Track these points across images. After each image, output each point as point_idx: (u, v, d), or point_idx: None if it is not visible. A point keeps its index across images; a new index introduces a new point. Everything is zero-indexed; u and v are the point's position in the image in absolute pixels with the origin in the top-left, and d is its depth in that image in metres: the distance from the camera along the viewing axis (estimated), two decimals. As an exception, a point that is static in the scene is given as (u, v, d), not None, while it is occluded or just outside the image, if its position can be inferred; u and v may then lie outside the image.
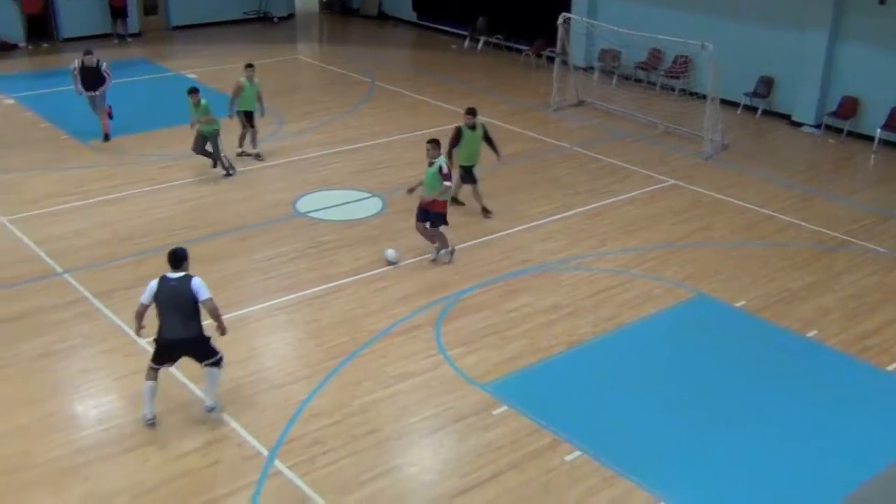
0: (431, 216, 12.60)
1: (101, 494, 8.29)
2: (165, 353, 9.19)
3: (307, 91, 22.10)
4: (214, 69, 23.67)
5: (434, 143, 12.61)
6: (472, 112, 14.18)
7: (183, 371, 10.04)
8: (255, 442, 9.01)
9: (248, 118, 16.66)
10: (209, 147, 15.88)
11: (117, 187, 15.51)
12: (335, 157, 17.17)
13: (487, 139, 14.30)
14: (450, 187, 12.57)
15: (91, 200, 14.99)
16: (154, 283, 9.01)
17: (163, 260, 12.42)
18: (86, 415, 9.61)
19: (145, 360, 10.24)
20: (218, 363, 9.32)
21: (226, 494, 8.32)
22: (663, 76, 22.12)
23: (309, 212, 14.62)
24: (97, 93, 17.53)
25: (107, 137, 17.71)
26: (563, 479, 8.56)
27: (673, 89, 21.79)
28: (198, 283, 8.97)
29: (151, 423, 9.26)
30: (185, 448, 8.93)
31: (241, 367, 10.23)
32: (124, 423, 9.37)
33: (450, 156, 14.16)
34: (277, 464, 8.71)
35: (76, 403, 9.81)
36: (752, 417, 9.61)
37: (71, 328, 11.09)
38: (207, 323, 9.13)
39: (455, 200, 14.53)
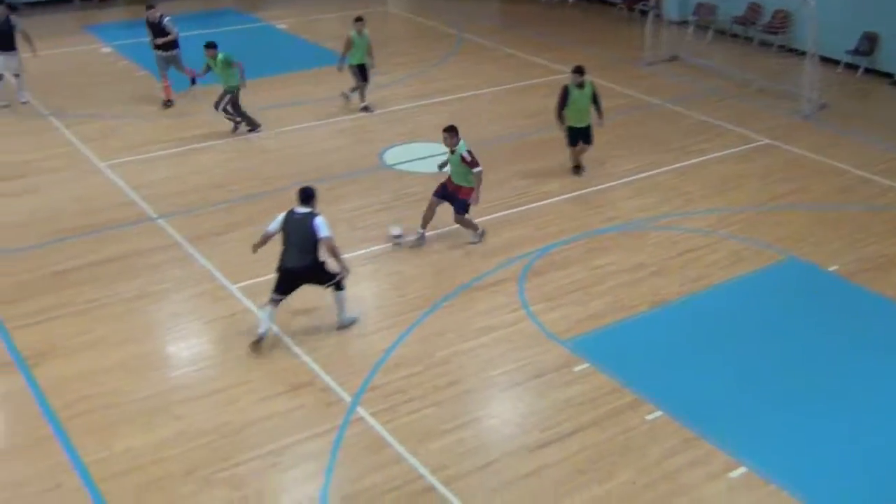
0: (456, 202, 11.87)
1: (192, 433, 8.58)
2: (285, 282, 9.82)
3: (395, 43, 22.08)
4: (304, 19, 23.88)
5: (451, 130, 11.63)
6: (579, 70, 13.64)
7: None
8: (338, 388, 9.19)
9: (360, 71, 16.66)
10: (226, 103, 15.60)
11: (208, 136, 15.82)
12: (422, 110, 17.18)
13: (595, 99, 13.80)
14: (481, 171, 11.65)
15: (183, 148, 15.34)
16: (282, 215, 9.72)
17: (252, 208, 12.91)
18: (178, 356, 9.96)
19: (234, 304, 10.61)
20: (339, 284, 9.95)
21: (309, 438, 8.53)
22: (761, 31, 21.42)
23: (396, 164, 14.70)
24: (165, 53, 16.99)
25: (193, 81, 17.23)
26: (643, 438, 8.52)
27: (771, 45, 21.11)
28: (320, 221, 9.60)
29: (257, 342, 9.75)
30: (271, 392, 9.16)
31: (326, 315, 10.42)
32: (214, 364, 9.67)
33: (559, 117, 13.82)
34: (360, 410, 8.88)
35: (169, 344, 10.17)
36: (839, 385, 9.38)
37: (164, 271, 11.44)
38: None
39: (576, 169, 14.23)
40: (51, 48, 20.57)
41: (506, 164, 14.62)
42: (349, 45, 16.44)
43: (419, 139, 15.76)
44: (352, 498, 7.81)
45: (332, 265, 9.87)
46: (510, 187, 13.77)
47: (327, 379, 9.34)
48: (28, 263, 11.56)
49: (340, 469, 8.13)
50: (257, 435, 8.56)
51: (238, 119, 15.81)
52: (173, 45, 17.07)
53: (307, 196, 9.78)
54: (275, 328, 10.09)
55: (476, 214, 12.73)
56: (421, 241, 11.98)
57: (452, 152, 11.71)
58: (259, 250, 9.98)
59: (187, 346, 10.09)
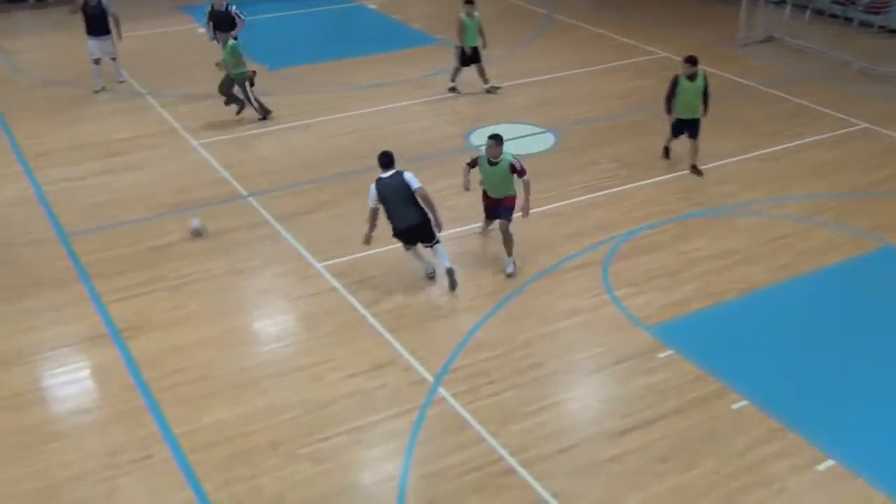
0: (501, 210, 10.93)
1: (278, 407, 8.77)
2: (406, 241, 10.67)
3: (485, 23, 21.90)
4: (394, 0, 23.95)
5: (497, 139, 10.73)
6: (691, 60, 13.05)
7: (356, 295, 10.45)
8: (421, 368, 9.27)
9: (473, 53, 16.59)
10: (238, 92, 15.45)
11: (298, 115, 16.05)
12: (509, 91, 17.08)
13: (705, 92, 13.13)
14: (529, 181, 10.82)
15: (273, 128, 15.60)
16: (373, 187, 10.26)
17: (340, 187, 13.10)
18: (265, 332, 10.18)
19: (320, 283, 10.81)
20: (438, 242, 10.63)
21: (391, 416, 8.63)
22: (861, 11, 20.66)
23: (481, 145, 14.61)
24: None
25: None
26: (728, 427, 8.37)
27: (871, 26, 20.34)
28: (409, 176, 10.32)
29: (432, 276, 10.78)
30: (354, 370, 9.30)
31: (410, 295, 10.53)
32: (299, 341, 9.86)
33: (668, 108, 13.29)
34: (441, 391, 8.95)
35: (257, 321, 10.40)
36: (938, 379, 9.07)
37: (254, 249, 11.68)
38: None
39: (666, 152, 13.87)
40: (146, 29, 21.17)
41: (593, 147, 14.48)
42: (461, 28, 16.40)
43: (505, 120, 15.69)
44: (432, 477, 7.89)
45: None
46: (597, 170, 13.64)
47: (410, 359, 9.43)
48: (125, 239, 11.94)
49: (421, 448, 8.22)
50: (341, 412, 8.71)
51: (254, 106, 15.67)
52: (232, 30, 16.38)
53: (389, 160, 10.46)
54: (359, 307, 10.25)
55: (561, 197, 12.70)
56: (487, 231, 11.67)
57: (494, 163, 10.76)
58: (341, 230, 10.16)
59: (274, 323, 10.31)
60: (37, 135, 15.49)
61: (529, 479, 7.83)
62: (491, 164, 10.79)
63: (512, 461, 8.02)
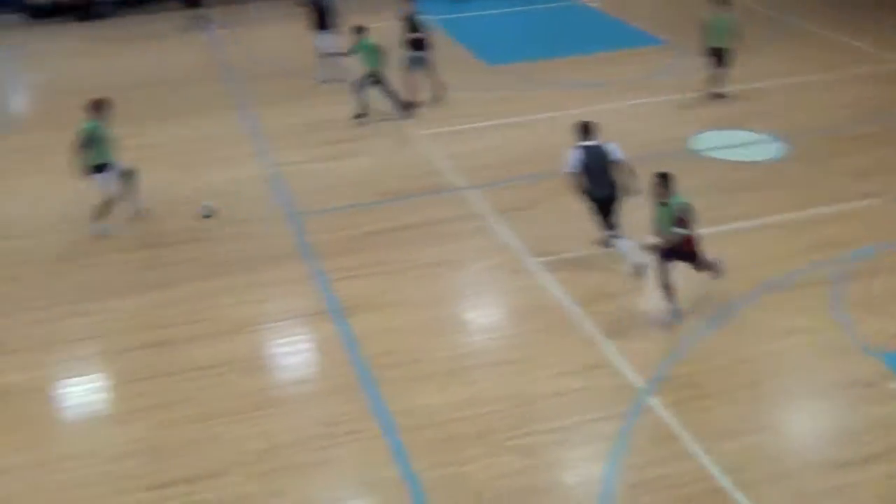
0: (685, 257, 9.74)
1: (482, 399, 8.82)
2: (603, 212, 10.67)
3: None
4: (617, -1, 23.65)
5: (662, 178, 9.44)
6: None
7: (570, 294, 10.36)
8: (632, 374, 9.07)
9: (717, 55, 16.05)
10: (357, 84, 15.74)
11: (517, 111, 16.12)
12: (735, 96, 16.40)
13: None
14: (680, 234, 9.43)
15: (492, 122, 15.74)
16: (576, 153, 10.49)
17: (555, 184, 12.93)
18: (475, 322, 10.30)
19: (532, 278, 10.82)
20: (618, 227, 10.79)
21: (597, 420, 8.49)
22: None
23: (703, 150, 14.19)
24: (415, 53, 16.26)
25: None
26: (970, 472, 7.68)
27: None
28: (613, 146, 10.52)
29: (636, 273, 10.59)
30: (563, 369, 9.21)
31: (626, 298, 10.34)
32: (508, 335, 9.89)
33: None
34: (651, 399, 8.71)
35: (467, 311, 10.53)
36: None
37: (465, 241, 11.82)
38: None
39: None
40: (373, 22, 21.82)
41: (825, 158, 13.69)
42: (706, 29, 15.96)
43: (732, 126, 15.10)
44: (637, 486, 7.69)
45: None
46: (830, 183, 12.85)
47: (621, 362, 9.24)
48: (345, 222, 12.41)
49: (627, 456, 8.02)
50: (547, 409, 8.65)
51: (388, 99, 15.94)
52: (421, 45, 16.31)
53: (592, 128, 10.60)
54: (572, 305, 10.15)
55: (790, 209, 12.08)
56: (678, 317, 9.88)
57: (663, 204, 9.58)
58: (557, 227, 10.11)
59: (484, 315, 10.40)
60: (271, 118, 16.39)
61: (742, 501, 7.46)
62: (661, 204, 9.65)
63: (724, 480, 7.68)
